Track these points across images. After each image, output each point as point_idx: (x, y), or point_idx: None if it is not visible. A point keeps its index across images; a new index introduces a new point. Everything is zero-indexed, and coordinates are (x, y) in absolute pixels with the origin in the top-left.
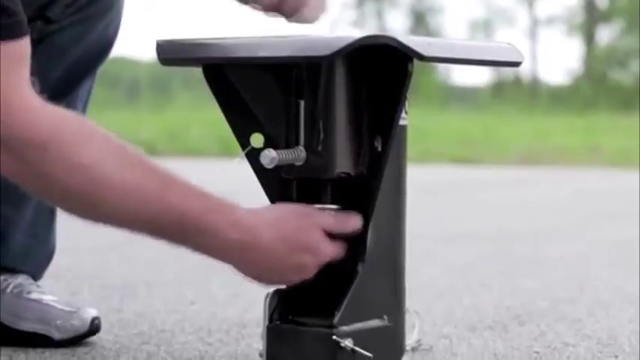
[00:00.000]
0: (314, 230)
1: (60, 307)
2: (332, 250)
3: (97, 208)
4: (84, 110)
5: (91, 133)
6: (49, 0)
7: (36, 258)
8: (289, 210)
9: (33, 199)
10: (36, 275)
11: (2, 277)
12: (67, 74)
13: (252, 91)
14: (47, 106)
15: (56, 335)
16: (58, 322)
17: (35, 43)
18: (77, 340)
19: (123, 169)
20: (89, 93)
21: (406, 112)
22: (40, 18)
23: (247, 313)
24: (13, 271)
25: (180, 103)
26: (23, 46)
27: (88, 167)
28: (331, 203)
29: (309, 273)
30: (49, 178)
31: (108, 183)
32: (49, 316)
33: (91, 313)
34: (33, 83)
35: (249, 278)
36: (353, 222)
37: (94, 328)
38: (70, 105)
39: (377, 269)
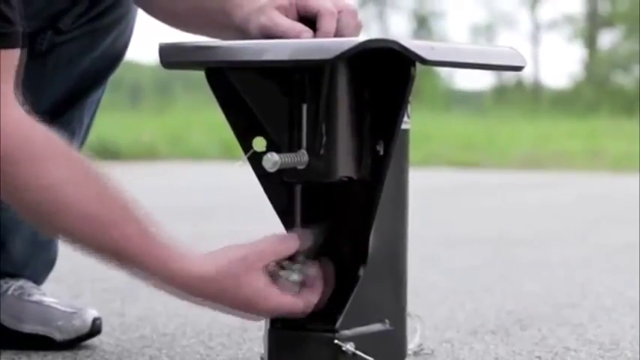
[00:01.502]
0: (252, 282)
1: (61, 308)
2: (277, 304)
3: (52, 227)
4: (91, 121)
5: (59, 153)
6: (60, 10)
7: (37, 265)
8: (228, 258)
9: None
10: (37, 281)
11: (3, 280)
12: (75, 85)
13: (254, 94)
14: (25, 119)
15: (58, 336)
16: (60, 323)
17: (45, 54)
18: (79, 340)
19: (81, 195)
20: (97, 104)
21: (408, 116)
22: (51, 28)
23: None
24: (14, 276)
25: (183, 107)
26: (15, 57)
27: (48, 188)
28: (333, 207)
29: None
30: (11, 189)
31: (65, 207)
32: (50, 318)
33: (92, 313)
34: (22, 96)
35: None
36: (293, 246)
37: (95, 328)
38: (78, 115)
39: (379, 273)
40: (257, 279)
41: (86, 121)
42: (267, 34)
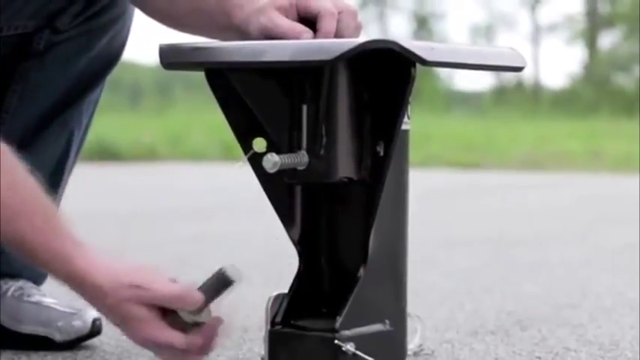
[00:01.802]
0: (132, 306)
1: (61, 308)
2: (152, 333)
3: None
4: (90, 121)
5: None
6: (57, 9)
7: (35, 266)
8: (119, 278)
9: None
10: (37, 281)
11: (2, 281)
12: (73, 84)
13: (254, 95)
14: None
15: (58, 337)
16: (60, 323)
17: (43, 53)
18: (79, 341)
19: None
20: (96, 104)
21: (408, 117)
22: (49, 27)
23: (249, 318)
24: (14, 276)
25: (183, 107)
26: None
27: None
28: (333, 208)
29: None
30: None
31: None
32: (50, 318)
33: (92, 314)
34: None
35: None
36: (192, 301)
37: (95, 329)
38: (76, 115)
39: (379, 274)
40: (138, 309)
41: (85, 120)
42: (267, 34)
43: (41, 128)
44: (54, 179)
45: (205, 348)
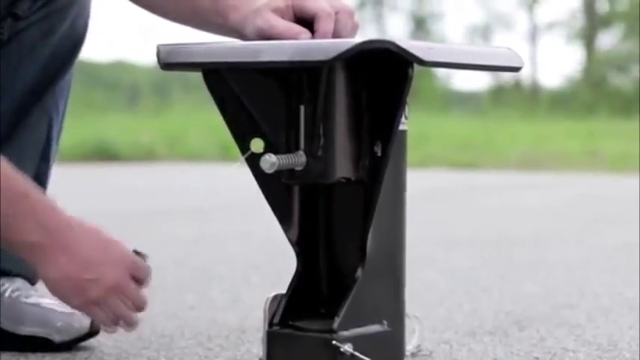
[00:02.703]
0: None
1: (59, 309)
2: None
3: None
4: (66, 105)
5: None
6: None
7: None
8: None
9: None
10: (33, 279)
11: None
12: (42, 71)
13: (252, 95)
14: None
15: (57, 338)
16: (58, 324)
17: (7, 43)
18: (78, 341)
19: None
20: (69, 89)
21: (406, 117)
22: (9, 16)
23: (247, 319)
24: (9, 274)
25: (180, 108)
26: None
27: None
28: (331, 209)
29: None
30: None
31: None
32: (48, 319)
33: None
34: None
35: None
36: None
37: (94, 329)
38: (52, 102)
39: (377, 274)
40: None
41: (61, 106)
42: (264, 36)
43: (19, 119)
44: (40, 169)
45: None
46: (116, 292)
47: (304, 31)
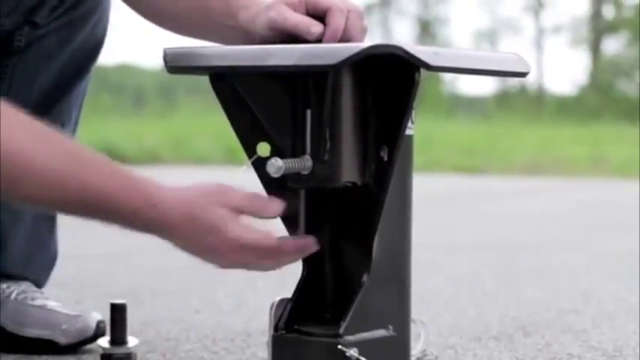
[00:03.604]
0: (218, 209)
1: (65, 311)
2: (241, 233)
3: (17, 191)
4: (79, 113)
5: (4, 116)
6: (35, 4)
7: (37, 264)
8: (202, 188)
9: None
10: (39, 282)
11: (5, 285)
12: (59, 77)
13: (258, 99)
14: None
15: (62, 340)
16: (64, 326)
17: (24, 50)
18: (83, 344)
19: (41, 152)
20: (84, 96)
21: (412, 122)
22: (27, 23)
23: (252, 322)
24: (15, 278)
25: (186, 111)
26: None
27: (7, 153)
28: (337, 213)
29: (222, 257)
30: None
31: (27, 166)
32: (54, 322)
33: (96, 316)
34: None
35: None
36: (273, 208)
37: (99, 331)
38: (66, 108)
39: (382, 279)
40: (223, 211)
41: (74, 113)
42: (276, 28)
43: None
44: None
45: (297, 252)
46: (242, 243)
47: (317, 24)
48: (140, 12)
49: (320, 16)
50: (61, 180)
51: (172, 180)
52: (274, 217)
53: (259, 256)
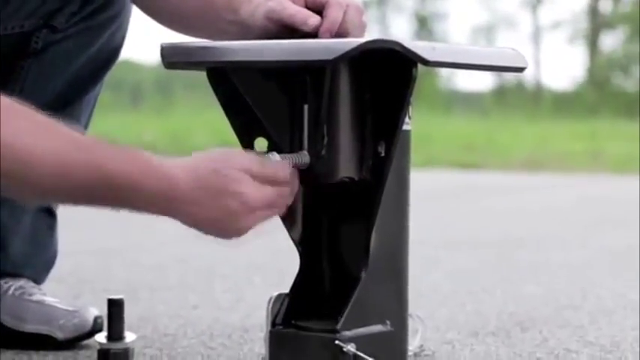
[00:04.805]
0: (232, 172)
1: (62, 307)
2: (257, 194)
3: (22, 184)
4: (89, 118)
5: (17, 109)
6: (54, 9)
7: (36, 264)
8: (207, 155)
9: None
10: (37, 280)
11: (3, 280)
12: (73, 82)
13: (256, 95)
14: None
15: (59, 335)
16: (61, 321)
17: (40, 52)
18: (81, 339)
19: (37, 138)
20: (95, 101)
21: (410, 117)
22: (46, 27)
23: (250, 318)
24: (14, 275)
25: (183, 107)
26: None
27: (7, 145)
28: (334, 208)
29: (243, 221)
30: None
31: (27, 155)
32: (51, 317)
33: (93, 312)
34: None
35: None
36: (281, 171)
37: (97, 326)
38: (76, 113)
39: (380, 275)
40: (233, 171)
41: (84, 118)
42: (273, 17)
43: None
44: None
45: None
46: (258, 203)
47: (314, 16)
48: (149, 12)
49: (319, 11)
50: (66, 165)
51: None
52: (283, 182)
53: (272, 204)
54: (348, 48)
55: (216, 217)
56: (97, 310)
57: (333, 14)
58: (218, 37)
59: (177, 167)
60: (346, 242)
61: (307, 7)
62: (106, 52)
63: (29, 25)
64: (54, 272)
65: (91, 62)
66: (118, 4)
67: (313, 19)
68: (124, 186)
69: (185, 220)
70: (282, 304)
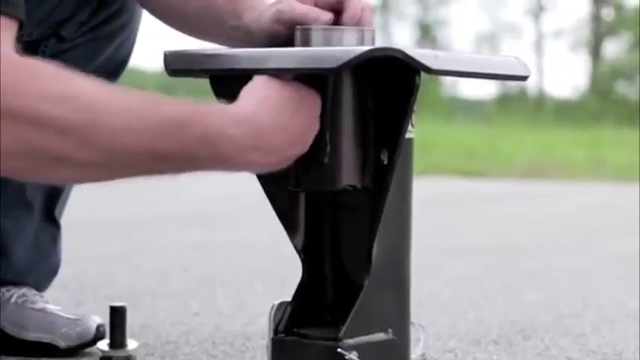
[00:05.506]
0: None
1: (65, 315)
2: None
3: (94, 138)
4: None
5: (67, 72)
6: (63, 18)
7: (39, 273)
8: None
9: (35, 213)
10: (40, 288)
11: (5, 288)
12: None
13: None
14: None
15: (62, 344)
16: (64, 330)
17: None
18: (83, 347)
19: (109, 94)
20: None
21: (413, 125)
22: (54, 36)
23: (252, 325)
24: (17, 283)
25: None
26: (14, 28)
27: (76, 97)
28: (336, 216)
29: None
30: (41, 116)
31: (100, 107)
32: (54, 325)
33: (96, 320)
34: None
35: (270, 166)
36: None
37: (99, 335)
38: None
39: (382, 282)
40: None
41: None
42: (283, 19)
43: None
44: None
45: None
46: None
47: (325, 13)
48: (154, 12)
49: (331, 9)
50: (136, 118)
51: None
52: None
53: None
54: (351, 56)
55: (291, 120)
56: (99, 318)
57: (353, 9)
58: (223, 42)
59: (253, 106)
60: (348, 250)
61: (317, 6)
62: (114, 61)
63: (38, 34)
64: (56, 279)
65: (96, 73)
66: (127, 13)
67: (325, 16)
68: (206, 133)
69: (269, 153)
70: (284, 311)
